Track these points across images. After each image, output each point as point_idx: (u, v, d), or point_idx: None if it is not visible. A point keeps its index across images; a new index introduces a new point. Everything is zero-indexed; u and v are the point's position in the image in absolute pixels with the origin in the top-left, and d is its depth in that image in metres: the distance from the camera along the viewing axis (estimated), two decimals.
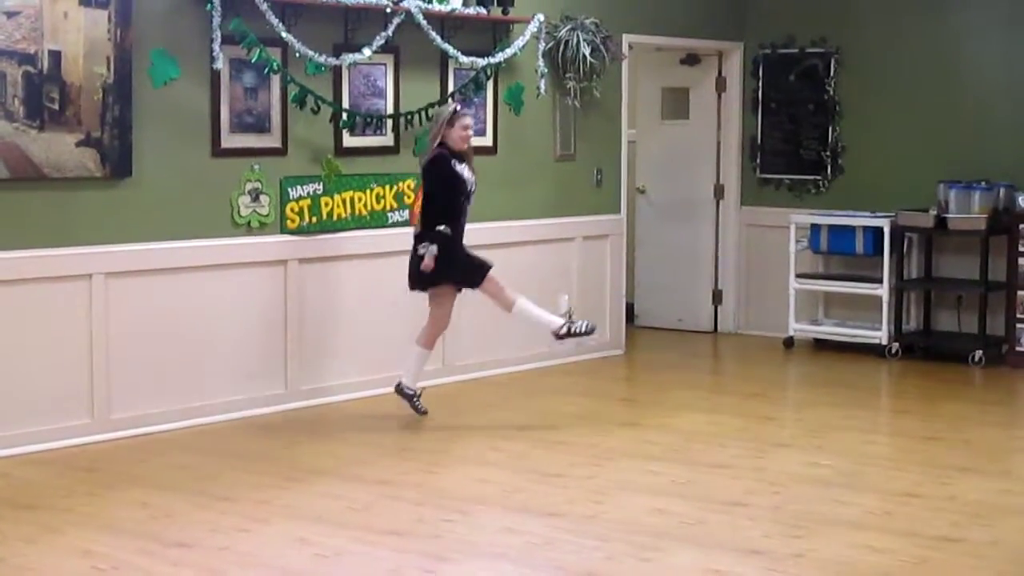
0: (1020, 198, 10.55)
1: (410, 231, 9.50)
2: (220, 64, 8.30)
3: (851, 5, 11.66)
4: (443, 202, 8.48)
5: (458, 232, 8.55)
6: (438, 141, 8.51)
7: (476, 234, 9.88)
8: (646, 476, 7.41)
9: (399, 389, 8.77)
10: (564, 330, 8.62)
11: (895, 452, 8.31)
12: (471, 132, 8.63)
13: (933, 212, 10.91)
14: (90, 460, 7.63)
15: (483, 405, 9.25)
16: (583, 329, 8.61)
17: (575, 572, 5.85)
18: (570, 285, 10.70)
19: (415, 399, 8.76)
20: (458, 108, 8.65)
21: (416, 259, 8.47)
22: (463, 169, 8.55)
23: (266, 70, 8.54)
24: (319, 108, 8.86)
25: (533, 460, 7.72)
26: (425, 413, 8.71)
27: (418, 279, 8.52)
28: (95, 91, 7.88)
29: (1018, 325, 10.59)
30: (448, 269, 8.48)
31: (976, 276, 10.82)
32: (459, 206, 8.57)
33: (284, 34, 8.51)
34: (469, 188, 8.60)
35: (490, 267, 8.64)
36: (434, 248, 8.37)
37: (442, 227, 8.43)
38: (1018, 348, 10.59)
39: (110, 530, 6.35)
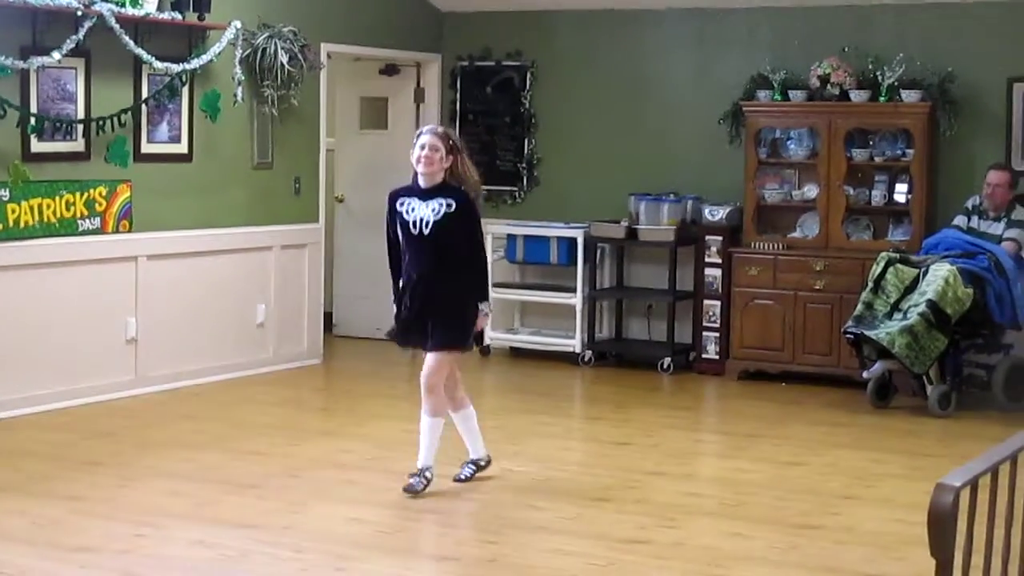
0: (706, 210, 10.93)
1: (101, 238, 9.33)
2: None
3: (546, 20, 11.88)
4: (389, 246, 7.35)
5: (408, 283, 7.26)
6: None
7: (172, 243, 9.78)
8: (342, 486, 7.40)
9: None
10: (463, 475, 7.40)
11: (588, 457, 8.50)
12: (425, 151, 7.04)
13: (624, 223, 11.21)
14: None
15: (176, 416, 9.08)
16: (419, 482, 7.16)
17: None
18: (267, 294, 10.62)
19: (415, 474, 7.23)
20: (423, 129, 7.23)
21: None
22: (410, 204, 7.12)
23: None
24: (5, 112, 8.56)
25: (227, 471, 7.62)
26: (410, 491, 7.11)
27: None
28: None
29: (705, 333, 10.96)
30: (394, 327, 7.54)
31: (665, 286, 11.16)
32: (407, 250, 7.18)
33: None
34: (414, 230, 7.08)
35: (399, 338, 7.53)
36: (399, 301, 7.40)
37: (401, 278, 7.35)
38: (704, 355, 10.96)
39: None
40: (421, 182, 7.10)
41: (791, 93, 10.66)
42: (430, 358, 7.19)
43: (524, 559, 6.16)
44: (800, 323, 10.50)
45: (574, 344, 11.40)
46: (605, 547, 6.33)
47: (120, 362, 9.51)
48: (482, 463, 7.49)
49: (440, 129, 7.22)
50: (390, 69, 12.37)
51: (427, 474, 7.13)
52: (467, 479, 7.39)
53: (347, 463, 7.87)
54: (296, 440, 8.45)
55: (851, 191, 10.62)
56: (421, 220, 7.05)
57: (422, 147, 7.05)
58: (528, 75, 11.97)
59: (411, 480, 7.12)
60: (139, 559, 6.08)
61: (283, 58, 10.26)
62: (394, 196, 7.23)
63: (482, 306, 7.23)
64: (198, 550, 6.21)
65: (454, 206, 7.04)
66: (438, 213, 7.04)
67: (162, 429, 8.70)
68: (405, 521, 6.71)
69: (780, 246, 10.69)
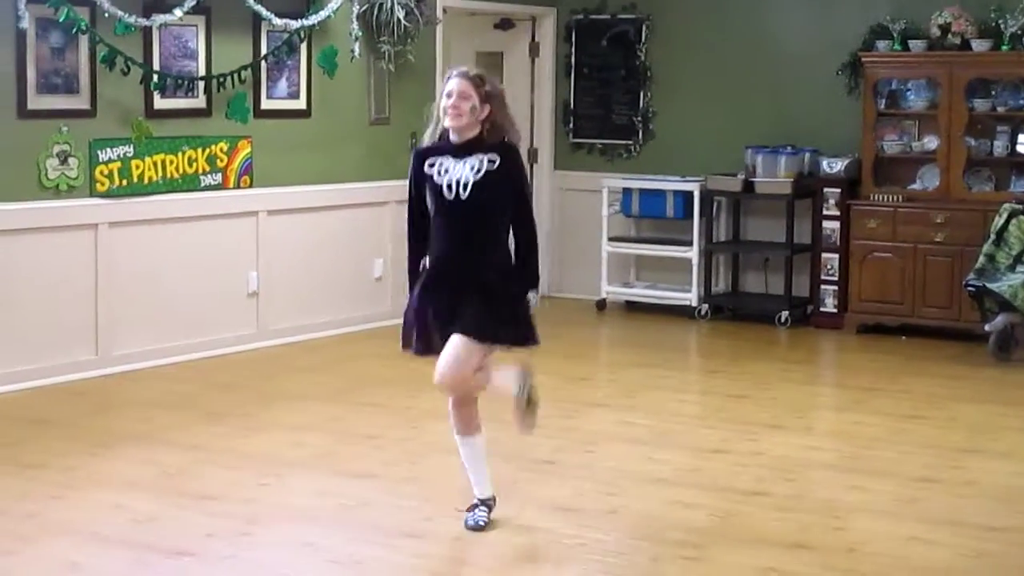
0: (824, 162, 10.82)
1: (222, 194, 9.47)
2: (26, 23, 8.11)
3: None
4: (411, 217, 6.02)
5: (440, 261, 5.87)
6: (438, 122, 5.78)
7: (291, 198, 9.88)
8: None
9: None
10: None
11: (704, 410, 8.50)
12: (452, 100, 5.65)
13: (741, 176, 11.14)
14: None
15: (298, 369, 9.21)
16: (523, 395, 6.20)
17: (392, 533, 5.89)
18: (384, 249, 10.70)
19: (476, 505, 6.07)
20: (451, 71, 5.80)
21: None
22: (442, 164, 5.72)
23: (74, 29, 8.36)
24: (129, 69, 8.70)
25: (348, 423, 7.73)
26: (473, 527, 5.97)
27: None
28: None
29: (822, 286, 10.87)
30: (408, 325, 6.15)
31: (782, 239, 11.08)
32: (439, 221, 5.79)
33: None
34: (449, 194, 5.69)
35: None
36: (414, 290, 6.10)
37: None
38: (822, 309, 10.87)
39: None
40: (452, 137, 5.74)
41: (911, 43, 10.51)
42: (455, 346, 5.84)
43: (645, 510, 6.18)
44: (920, 276, 10.38)
45: (690, 298, 11.36)
46: (724, 499, 6.34)
47: (242, 315, 9.66)
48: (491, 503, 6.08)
49: (472, 72, 5.74)
50: (505, 23, 12.37)
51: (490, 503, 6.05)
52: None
53: None
54: (415, 392, 8.50)
55: (972, 142, 10.46)
56: (458, 182, 5.66)
57: (448, 95, 5.66)
58: (643, 28, 11.91)
59: (475, 515, 5.99)
60: (264, 507, 6.19)
61: (399, 13, 10.30)
62: (422, 155, 5.81)
63: (531, 295, 5.91)
64: (321, 499, 6.31)
65: (497, 162, 5.68)
66: (478, 171, 5.66)
67: (283, 381, 8.83)
68: (522, 472, 6.75)
69: (899, 198, 10.56)
